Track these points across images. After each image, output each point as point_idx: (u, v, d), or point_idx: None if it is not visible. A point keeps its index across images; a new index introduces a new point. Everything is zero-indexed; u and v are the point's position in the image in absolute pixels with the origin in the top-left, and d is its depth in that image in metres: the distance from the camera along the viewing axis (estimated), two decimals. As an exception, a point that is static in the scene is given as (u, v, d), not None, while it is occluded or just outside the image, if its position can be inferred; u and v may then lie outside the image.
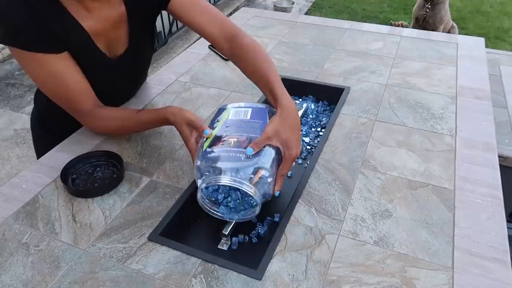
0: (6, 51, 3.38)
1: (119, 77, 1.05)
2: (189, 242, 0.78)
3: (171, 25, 3.65)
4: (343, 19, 3.99)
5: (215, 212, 0.79)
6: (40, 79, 0.92)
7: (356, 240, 0.78)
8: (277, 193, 0.81)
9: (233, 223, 0.79)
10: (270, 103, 0.89)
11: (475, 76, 1.32)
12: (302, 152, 1.01)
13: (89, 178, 0.92)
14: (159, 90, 1.26)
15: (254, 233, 0.81)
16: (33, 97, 1.20)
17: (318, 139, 1.08)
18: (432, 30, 3.38)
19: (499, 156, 1.00)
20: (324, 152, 1.00)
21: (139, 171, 0.95)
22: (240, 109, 0.87)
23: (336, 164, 0.96)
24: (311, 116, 1.16)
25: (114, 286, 0.70)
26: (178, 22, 3.70)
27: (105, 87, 1.03)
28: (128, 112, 0.98)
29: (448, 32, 3.55)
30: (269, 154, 0.79)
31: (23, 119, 2.78)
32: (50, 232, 0.80)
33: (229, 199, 0.79)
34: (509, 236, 0.79)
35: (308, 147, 1.05)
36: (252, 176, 0.75)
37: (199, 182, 0.78)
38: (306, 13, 4.75)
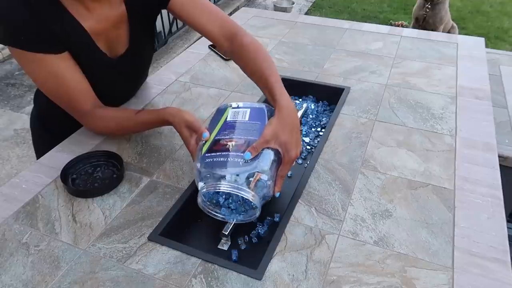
0: (6, 51, 3.37)
1: (119, 77, 1.05)
2: (189, 242, 0.78)
3: (171, 25, 3.65)
4: (343, 19, 3.99)
5: (216, 214, 0.79)
6: (40, 79, 0.92)
7: (356, 240, 0.78)
8: (277, 194, 0.81)
9: (233, 223, 0.79)
10: (270, 103, 0.89)
11: (475, 76, 1.32)
12: (302, 152, 1.01)
13: (89, 178, 0.92)
14: (159, 90, 1.26)
15: (254, 233, 0.81)
16: (33, 97, 1.20)
17: (318, 139, 1.08)
18: (432, 30, 3.38)
19: (499, 156, 1.00)
20: (324, 152, 1.00)
21: (139, 171, 0.95)
22: (238, 109, 0.86)
23: (336, 164, 0.96)
24: (311, 116, 1.16)
25: (114, 286, 0.70)
26: (178, 22, 3.71)
27: (106, 87, 1.03)
28: (128, 112, 0.98)
29: (448, 32, 3.55)
30: (268, 158, 0.78)
31: (23, 119, 2.78)
32: (50, 232, 0.80)
33: (230, 200, 0.79)
34: (509, 236, 0.79)
35: (308, 147, 1.05)
36: (251, 179, 0.75)
37: (199, 185, 0.77)
38: (306, 13, 4.75)
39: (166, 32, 3.64)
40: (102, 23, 0.94)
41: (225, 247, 0.79)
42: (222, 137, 0.80)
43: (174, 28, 3.73)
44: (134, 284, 0.70)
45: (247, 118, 0.84)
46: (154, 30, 1.16)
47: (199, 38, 1.53)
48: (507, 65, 1.74)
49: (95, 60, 0.97)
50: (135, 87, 1.21)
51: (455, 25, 3.63)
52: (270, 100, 0.88)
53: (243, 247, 0.79)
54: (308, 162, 0.99)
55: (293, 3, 4.64)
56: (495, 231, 0.79)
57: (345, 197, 0.87)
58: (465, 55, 1.45)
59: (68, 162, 0.93)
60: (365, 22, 2.24)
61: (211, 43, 1.50)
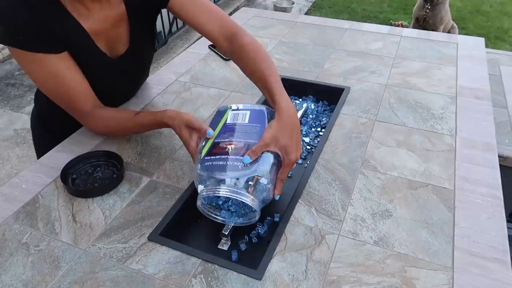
0: (6, 51, 3.37)
1: (119, 77, 1.05)
2: (189, 242, 0.78)
3: (171, 25, 3.65)
4: (343, 19, 3.99)
5: (216, 217, 0.78)
6: (40, 79, 0.92)
7: (356, 240, 0.78)
8: (277, 197, 0.80)
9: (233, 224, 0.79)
10: (269, 104, 0.88)
11: (475, 76, 1.32)
12: (302, 152, 1.01)
13: (89, 178, 0.92)
14: (159, 90, 1.26)
15: (254, 233, 0.81)
16: (33, 97, 1.20)
17: (318, 139, 1.08)
18: (432, 30, 3.39)
19: (499, 156, 1.00)
20: (324, 152, 1.00)
21: (139, 171, 0.95)
22: (238, 111, 0.85)
23: (336, 164, 0.96)
24: (311, 116, 1.16)
25: (114, 286, 0.70)
26: (178, 22, 3.71)
27: (106, 87, 1.02)
28: (127, 113, 0.97)
29: (449, 32, 3.55)
30: (268, 161, 0.77)
31: (23, 119, 2.78)
32: (50, 232, 0.80)
33: (229, 203, 0.79)
34: (509, 236, 0.79)
35: (308, 147, 1.05)
36: (250, 183, 0.75)
37: (199, 187, 0.77)
38: (306, 13, 4.75)
39: (166, 32, 3.64)
40: (102, 23, 0.94)
41: (225, 247, 0.79)
42: (222, 140, 0.80)
43: (174, 28, 3.73)
44: (134, 284, 0.70)
45: (246, 121, 0.83)
46: (155, 29, 1.16)
47: (199, 38, 1.53)
48: (507, 65, 1.74)
49: (95, 60, 0.97)
50: (135, 87, 1.21)
51: (455, 25, 3.63)
52: (269, 101, 0.87)
53: (243, 247, 0.79)
54: (308, 162, 0.99)
55: (293, 3, 4.64)
56: (495, 231, 0.79)
57: (345, 197, 0.87)
58: (465, 55, 1.45)
59: (68, 162, 0.93)
60: (365, 22, 2.24)
61: (211, 43, 1.50)
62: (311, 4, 5.01)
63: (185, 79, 1.32)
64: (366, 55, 1.45)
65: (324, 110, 1.19)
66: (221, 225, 0.78)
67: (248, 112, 0.85)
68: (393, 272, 0.72)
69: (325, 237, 0.78)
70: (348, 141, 1.03)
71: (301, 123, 1.13)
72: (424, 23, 3.49)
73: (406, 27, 3.98)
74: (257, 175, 0.75)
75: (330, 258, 0.74)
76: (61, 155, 0.98)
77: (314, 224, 0.81)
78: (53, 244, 0.77)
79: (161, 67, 2.28)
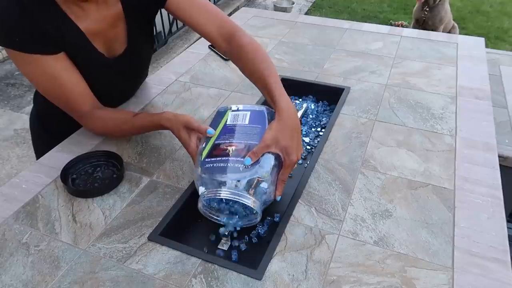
0: (6, 51, 3.37)
1: (117, 77, 1.05)
2: (189, 242, 0.78)
3: (171, 25, 3.65)
4: (343, 19, 3.99)
5: (218, 219, 0.78)
6: (36, 81, 0.92)
7: (356, 240, 0.78)
8: (278, 198, 0.80)
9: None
10: (269, 104, 0.88)
11: (475, 76, 1.32)
12: (302, 152, 1.01)
13: (89, 178, 0.92)
14: (159, 90, 1.26)
15: (254, 233, 0.81)
16: (32, 96, 1.20)
17: (318, 139, 1.08)
18: (432, 30, 3.39)
19: (499, 156, 1.00)
20: (324, 152, 1.00)
21: (139, 171, 0.95)
22: (238, 112, 0.85)
23: (336, 164, 0.96)
24: (311, 116, 1.16)
25: (114, 286, 0.70)
26: (178, 22, 3.71)
27: (104, 88, 1.02)
28: (126, 114, 0.97)
29: (449, 32, 3.55)
30: (269, 162, 0.77)
31: (23, 119, 2.78)
32: (50, 232, 0.80)
33: (230, 203, 0.78)
34: (509, 236, 0.79)
35: (308, 147, 1.05)
36: (251, 185, 0.75)
37: (200, 189, 0.77)
38: (306, 13, 4.75)
39: (166, 32, 3.64)
40: (99, 23, 0.93)
41: (225, 247, 0.79)
42: (222, 141, 0.80)
43: (174, 28, 3.73)
44: (134, 284, 0.70)
45: (247, 122, 0.83)
46: (153, 29, 1.16)
47: (199, 38, 1.53)
48: (507, 65, 1.74)
49: (92, 61, 0.96)
50: (134, 87, 1.21)
51: (456, 25, 3.63)
52: (269, 101, 0.87)
53: (243, 247, 0.79)
54: (308, 162, 0.99)
55: (293, 3, 4.64)
56: (495, 231, 0.79)
57: (345, 197, 0.87)
58: (465, 55, 1.45)
59: (68, 162, 0.93)
60: (365, 22, 2.24)
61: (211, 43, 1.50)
62: (311, 4, 5.02)
63: (185, 79, 1.32)
64: (366, 55, 1.45)
65: (324, 110, 1.19)
66: (221, 225, 0.78)
67: (248, 113, 0.85)
68: (393, 272, 0.72)
69: (325, 237, 0.78)
70: (348, 141, 1.03)
71: (301, 123, 1.12)
72: (424, 24, 3.50)
73: (406, 27, 3.98)
74: (258, 177, 0.75)
75: (330, 258, 0.74)
76: (61, 155, 0.98)
77: (314, 224, 0.81)
78: (53, 244, 0.77)
79: (161, 67, 2.28)
